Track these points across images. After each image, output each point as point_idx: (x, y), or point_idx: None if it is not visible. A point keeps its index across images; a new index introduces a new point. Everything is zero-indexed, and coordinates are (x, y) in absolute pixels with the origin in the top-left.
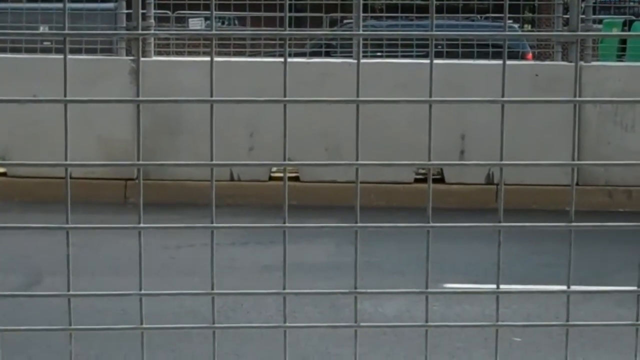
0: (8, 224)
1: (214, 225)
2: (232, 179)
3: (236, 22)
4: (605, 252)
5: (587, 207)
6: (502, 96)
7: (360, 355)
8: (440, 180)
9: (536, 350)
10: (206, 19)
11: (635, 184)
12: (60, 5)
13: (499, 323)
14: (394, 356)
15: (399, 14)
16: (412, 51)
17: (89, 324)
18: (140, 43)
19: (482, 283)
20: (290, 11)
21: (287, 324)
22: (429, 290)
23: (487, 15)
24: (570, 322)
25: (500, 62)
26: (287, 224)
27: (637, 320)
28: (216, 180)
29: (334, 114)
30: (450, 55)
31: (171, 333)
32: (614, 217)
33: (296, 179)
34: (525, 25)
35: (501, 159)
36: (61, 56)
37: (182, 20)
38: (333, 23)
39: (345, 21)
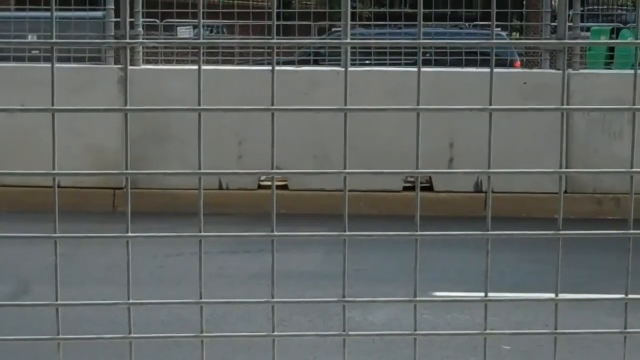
0: None
1: (203, 234)
2: (220, 188)
3: (225, 30)
4: (594, 260)
5: (576, 215)
6: (491, 104)
7: None
8: (429, 188)
9: (525, 359)
10: (195, 27)
11: (624, 191)
12: (48, 14)
13: (488, 331)
14: None
15: (388, 23)
16: (400, 59)
17: (77, 333)
18: (129, 52)
19: (471, 291)
20: (278, 20)
21: (276, 333)
22: (418, 299)
23: (476, 23)
24: (559, 331)
25: (488, 70)
26: (276, 233)
27: (625, 328)
28: (205, 189)
29: (323, 123)
30: (438, 64)
31: (160, 342)
32: (602, 225)
33: (285, 187)
34: (514, 34)
35: (489, 167)
36: (49, 65)
37: (170, 29)
38: (321, 32)
39: (333, 30)
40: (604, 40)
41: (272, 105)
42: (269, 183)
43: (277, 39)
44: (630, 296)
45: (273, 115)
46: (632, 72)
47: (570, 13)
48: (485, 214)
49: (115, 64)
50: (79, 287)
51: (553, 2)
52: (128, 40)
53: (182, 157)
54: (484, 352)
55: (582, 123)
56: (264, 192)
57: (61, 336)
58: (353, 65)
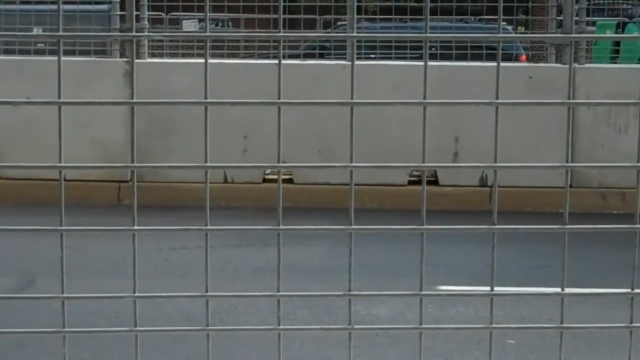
0: (1, 226)
1: (208, 227)
2: (226, 181)
3: (230, 24)
4: (599, 255)
5: (581, 209)
6: (496, 98)
7: (353, 358)
8: (434, 182)
9: (530, 353)
10: (200, 20)
11: (629, 186)
12: (54, 6)
13: (493, 325)
14: (388, 358)
15: (393, 16)
16: (405, 53)
17: (82, 326)
18: (134, 45)
19: (476, 285)
20: (284, 13)
21: (281, 327)
22: (423, 292)
23: (481, 17)
24: (564, 325)
25: (494, 64)
26: (281, 227)
27: (630, 323)
28: (210, 182)
29: (328, 116)
30: (444, 57)
31: (165, 335)
32: (607, 220)
33: (290, 181)
34: (519, 27)
35: (495, 161)
36: (55, 58)
37: (175, 22)
38: (327, 25)
39: (339, 23)
40: (609, 34)
41: (278, 98)
42: (274, 176)
43: (283, 32)
44: (636, 290)
45: (279, 108)
46: (638, 66)
47: (576, 7)
48: (490, 208)
49: (121, 57)
50: (84, 280)
51: None
52: (134, 33)
53: (187, 150)
54: (489, 346)
55: (588, 117)
56: (269, 186)
57: (66, 329)
58: (358, 58)
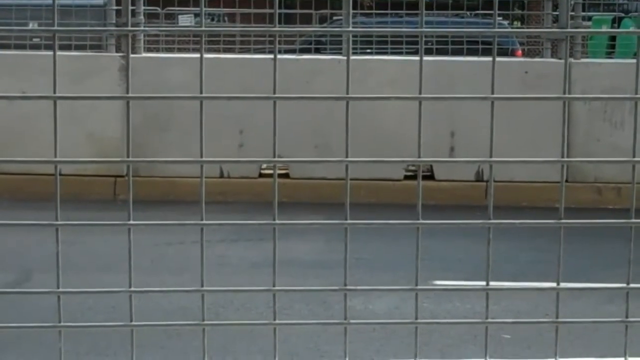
0: None
1: (204, 222)
2: (221, 176)
3: (226, 18)
4: (594, 249)
5: (577, 204)
6: (492, 93)
7: (350, 352)
8: (430, 177)
9: (526, 347)
10: (196, 15)
11: (625, 181)
12: (49, 1)
13: (489, 320)
14: (384, 353)
15: (389, 11)
16: (401, 48)
17: (78, 321)
18: (130, 39)
19: (471, 280)
20: (280, 8)
21: (277, 321)
22: (419, 287)
23: (477, 12)
24: (560, 319)
25: (489, 59)
26: (277, 221)
27: (626, 317)
28: (206, 177)
29: (324, 111)
30: (439, 52)
31: (161, 330)
32: (603, 214)
33: (286, 175)
34: (515, 22)
35: (491, 156)
36: (50, 52)
37: (171, 17)
38: (323, 20)
39: (334, 18)
40: (605, 29)
41: (274, 93)
42: (270, 171)
43: (279, 27)
44: (632, 285)
45: (274, 103)
46: (634, 61)
47: (572, 2)
48: (486, 203)
49: (117, 51)
50: (80, 275)
51: None
52: (129, 28)
53: (183, 145)
54: (485, 340)
55: (583, 112)
56: (264, 180)
57: (62, 323)
58: (354, 53)
